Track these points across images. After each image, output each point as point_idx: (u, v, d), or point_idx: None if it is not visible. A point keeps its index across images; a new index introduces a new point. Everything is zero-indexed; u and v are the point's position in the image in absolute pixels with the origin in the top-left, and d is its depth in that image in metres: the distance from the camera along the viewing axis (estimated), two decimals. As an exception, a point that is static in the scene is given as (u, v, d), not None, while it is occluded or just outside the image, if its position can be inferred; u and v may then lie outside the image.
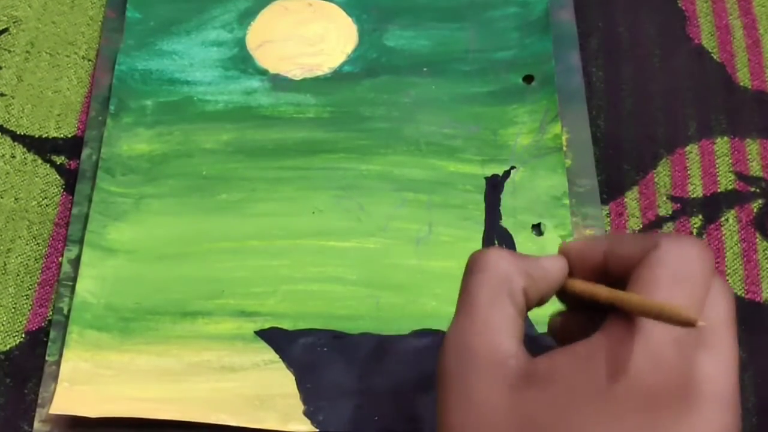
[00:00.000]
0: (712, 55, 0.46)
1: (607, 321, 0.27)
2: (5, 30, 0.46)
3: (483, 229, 0.40)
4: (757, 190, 0.42)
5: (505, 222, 0.41)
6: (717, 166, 0.43)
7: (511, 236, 0.40)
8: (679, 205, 0.42)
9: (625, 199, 0.42)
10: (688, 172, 0.43)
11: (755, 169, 0.43)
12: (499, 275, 0.29)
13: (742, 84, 0.45)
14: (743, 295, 0.40)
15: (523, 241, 0.40)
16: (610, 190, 0.42)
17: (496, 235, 0.40)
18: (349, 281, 0.39)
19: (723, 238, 0.41)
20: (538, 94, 0.44)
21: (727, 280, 0.40)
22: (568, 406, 0.26)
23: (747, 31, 0.46)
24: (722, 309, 0.28)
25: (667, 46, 0.46)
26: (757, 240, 0.41)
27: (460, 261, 0.39)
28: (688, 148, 0.43)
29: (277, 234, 0.40)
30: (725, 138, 0.43)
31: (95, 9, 0.47)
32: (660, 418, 0.26)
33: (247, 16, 0.47)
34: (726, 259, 0.40)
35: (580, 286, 0.30)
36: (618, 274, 0.29)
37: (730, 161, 0.43)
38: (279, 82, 0.45)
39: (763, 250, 0.41)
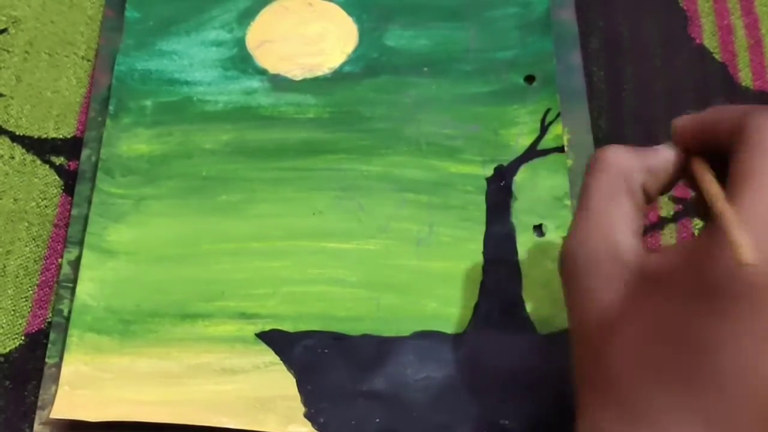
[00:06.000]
0: (714, 55, 0.46)
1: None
2: (4, 30, 0.46)
3: (484, 229, 0.40)
4: (759, 191, 0.42)
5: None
6: (719, 166, 0.43)
7: (513, 237, 0.40)
8: (680, 206, 0.42)
9: (627, 200, 0.42)
10: (690, 172, 0.42)
11: (757, 169, 0.42)
12: (619, 173, 0.30)
13: (743, 84, 0.45)
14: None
15: (525, 242, 0.40)
16: (612, 190, 0.42)
17: (497, 235, 0.40)
18: (349, 283, 0.39)
19: (725, 238, 0.41)
20: (539, 94, 0.43)
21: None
22: (679, 306, 0.27)
23: (749, 31, 0.46)
24: None
25: (668, 46, 0.46)
26: (759, 241, 0.41)
27: (461, 262, 0.40)
28: (689, 148, 0.43)
29: (277, 235, 0.40)
30: (727, 138, 0.43)
31: (94, 8, 0.47)
32: None
33: (247, 15, 0.46)
34: (728, 260, 0.40)
35: (699, 170, 0.29)
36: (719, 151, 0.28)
37: (732, 161, 0.43)
38: (279, 82, 0.44)
39: (765, 251, 0.40)
